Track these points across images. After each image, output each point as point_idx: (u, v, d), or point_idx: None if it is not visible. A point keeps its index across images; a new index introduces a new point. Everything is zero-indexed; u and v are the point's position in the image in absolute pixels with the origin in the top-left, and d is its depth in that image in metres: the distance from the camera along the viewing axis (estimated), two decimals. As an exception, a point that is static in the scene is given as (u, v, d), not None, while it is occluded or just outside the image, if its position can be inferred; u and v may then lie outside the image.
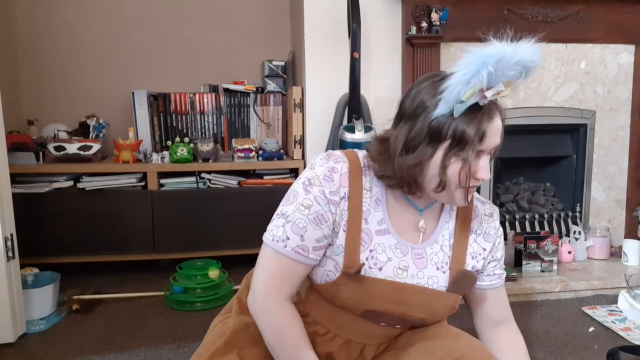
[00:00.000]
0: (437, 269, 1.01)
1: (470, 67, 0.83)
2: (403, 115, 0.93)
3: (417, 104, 0.90)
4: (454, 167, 0.89)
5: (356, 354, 1.04)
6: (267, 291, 0.96)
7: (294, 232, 0.94)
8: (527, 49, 0.84)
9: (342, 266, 0.95)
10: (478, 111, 0.86)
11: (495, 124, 0.88)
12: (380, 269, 0.97)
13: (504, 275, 1.12)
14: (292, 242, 0.94)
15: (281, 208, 0.97)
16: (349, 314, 1.00)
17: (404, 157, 0.91)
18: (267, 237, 0.97)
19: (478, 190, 2.55)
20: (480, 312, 1.12)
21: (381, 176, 0.96)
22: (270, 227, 0.97)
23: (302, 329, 0.97)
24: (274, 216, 0.98)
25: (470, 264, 1.04)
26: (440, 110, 0.87)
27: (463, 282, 1.02)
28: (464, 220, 1.05)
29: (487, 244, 1.06)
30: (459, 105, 0.85)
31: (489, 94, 0.85)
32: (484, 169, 0.90)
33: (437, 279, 1.00)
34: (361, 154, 1.01)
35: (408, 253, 0.99)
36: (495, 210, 1.10)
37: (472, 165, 0.88)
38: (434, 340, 1.01)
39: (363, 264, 0.95)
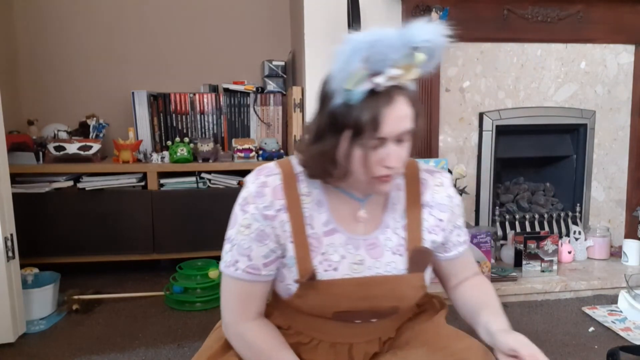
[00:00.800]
0: (394, 253, 0.99)
1: (342, 55, 0.81)
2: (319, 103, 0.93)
3: (324, 93, 0.89)
4: (357, 156, 0.87)
5: (345, 356, 1.03)
6: (234, 317, 0.97)
7: (240, 254, 0.95)
8: (416, 30, 0.81)
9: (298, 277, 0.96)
10: (376, 97, 0.83)
11: (395, 108, 0.84)
12: (335, 269, 0.95)
13: (468, 237, 1.11)
14: (242, 264, 0.95)
15: (227, 232, 0.98)
16: (324, 319, 1.00)
17: (313, 147, 0.90)
18: (221, 264, 0.98)
19: (478, 192, 2.55)
20: (447, 276, 1.11)
21: (303, 166, 0.95)
22: (222, 254, 0.98)
23: (278, 342, 0.97)
24: (224, 242, 0.98)
25: (429, 239, 1.02)
26: (337, 99, 0.85)
27: (420, 259, 1.00)
28: (414, 196, 1.02)
29: (444, 214, 1.03)
30: (349, 93, 0.83)
31: (379, 80, 0.82)
32: (391, 156, 0.86)
33: (396, 263, 0.98)
34: (295, 159, 0.99)
35: (360, 246, 0.97)
36: (446, 178, 1.06)
37: (377, 152, 0.86)
38: (434, 342, 1.00)
39: (313, 270, 0.94)
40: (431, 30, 0.83)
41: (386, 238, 0.99)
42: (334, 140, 0.87)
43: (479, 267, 1.14)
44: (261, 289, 0.98)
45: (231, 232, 0.96)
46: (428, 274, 1.05)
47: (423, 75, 0.88)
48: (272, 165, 0.98)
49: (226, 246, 0.97)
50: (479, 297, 1.04)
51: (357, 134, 0.85)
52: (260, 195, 0.94)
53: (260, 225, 0.94)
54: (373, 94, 0.83)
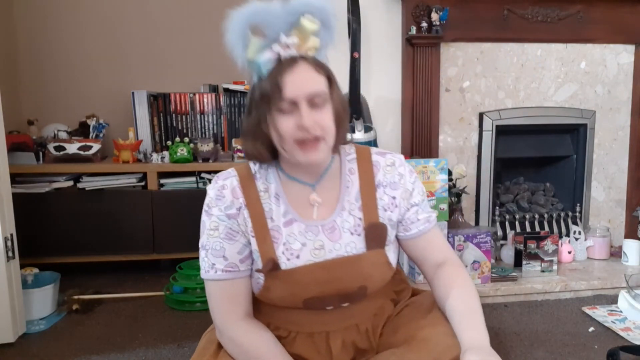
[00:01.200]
0: (352, 233, 1.02)
1: (230, 29, 0.89)
2: None
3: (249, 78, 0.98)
4: (272, 122, 0.93)
5: (323, 346, 1.05)
6: (224, 319, 1.01)
7: (215, 256, 0.99)
8: None
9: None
10: (280, 65, 0.91)
11: (295, 71, 0.91)
12: (297, 257, 0.99)
13: (433, 216, 1.11)
14: (219, 265, 0.99)
15: (200, 241, 1.02)
16: (297, 310, 1.02)
17: (244, 125, 0.98)
18: (201, 272, 1.02)
19: (478, 192, 2.55)
20: (420, 259, 1.12)
21: (243, 151, 1.02)
22: (200, 262, 1.02)
23: (269, 342, 1.00)
24: (199, 250, 1.02)
25: (386, 217, 1.04)
26: (253, 77, 0.94)
27: (375, 234, 1.03)
28: (367, 178, 1.05)
29: (396, 192, 1.05)
30: (256, 66, 0.91)
31: (277, 48, 0.90)
32: (304, 117, 0.91)
33: (355, 243, 1.01)
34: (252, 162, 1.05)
35: (319, 231, 1.01)
36: (398, 158, 1.09)
37: (291, 117, 0.91)
38: (432, 338, 1.00)
39: (273, 258, 0.98)
40: None
41: (343, 220, 1.02)
42: (257, 114, 0.95)
43: (452, 252, 1.13)
44: (243, 285, 1.01)
45: (202, 239, 1.01)
46: (392, 251, 1.07)
47: (326, 45, 0.97)
48: (229, 170, 1.04)
49: (201, 253, 1.01)
50: (446, 297, 1.04)
51: (267, 101, 0.92)
52: (220, 198, 0.99)
53: (227, 224, 0.99)
54: (279, 63, 0.91)
